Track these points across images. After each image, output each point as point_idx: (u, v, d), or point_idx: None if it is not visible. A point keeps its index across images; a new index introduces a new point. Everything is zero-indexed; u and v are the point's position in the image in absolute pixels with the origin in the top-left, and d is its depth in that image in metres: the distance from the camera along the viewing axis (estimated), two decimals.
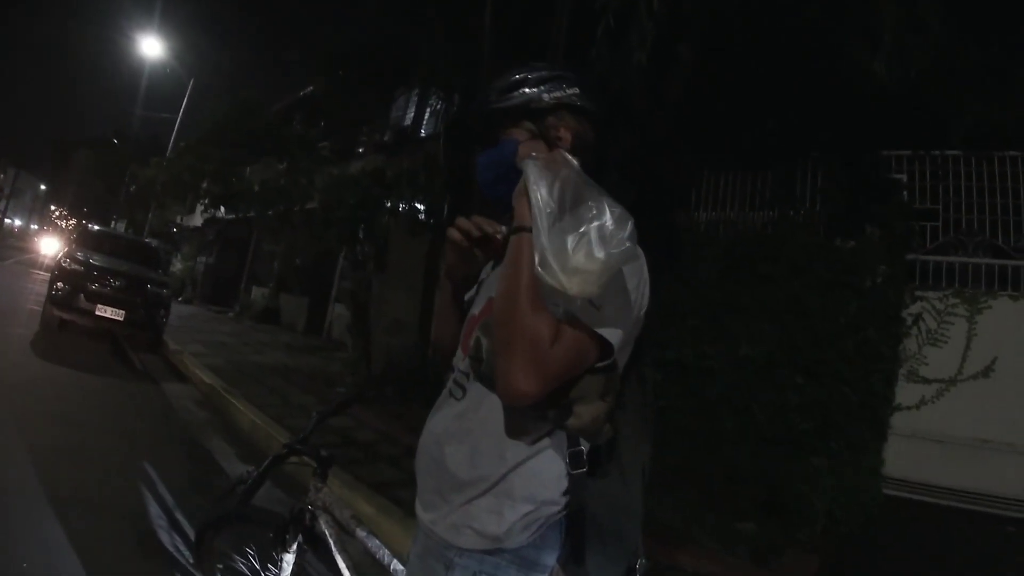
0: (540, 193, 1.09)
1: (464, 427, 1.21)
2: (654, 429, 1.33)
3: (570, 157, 1.16)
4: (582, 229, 1.00)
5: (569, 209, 1.05)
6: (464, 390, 1.26)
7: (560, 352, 1.05)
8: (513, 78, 1.31)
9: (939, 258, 5.89)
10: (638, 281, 1.16)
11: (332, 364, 10.20)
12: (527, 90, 1.29)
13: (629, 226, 1.01)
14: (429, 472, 1.27)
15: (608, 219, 1.01)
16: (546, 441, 1.16)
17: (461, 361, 1.30)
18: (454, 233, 1.32)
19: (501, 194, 1.26)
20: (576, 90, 1.30)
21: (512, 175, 1.21)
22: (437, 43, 8.38)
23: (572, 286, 1.01)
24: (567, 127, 1.29)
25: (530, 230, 1.06)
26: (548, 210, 1.06)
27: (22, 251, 35.73)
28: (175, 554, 3.14)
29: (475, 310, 1.34)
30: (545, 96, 1.28)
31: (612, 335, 1.09)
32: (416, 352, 7.81)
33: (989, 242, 5.88)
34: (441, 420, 1.28)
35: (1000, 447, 5.28)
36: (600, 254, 0.98)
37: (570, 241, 0.99)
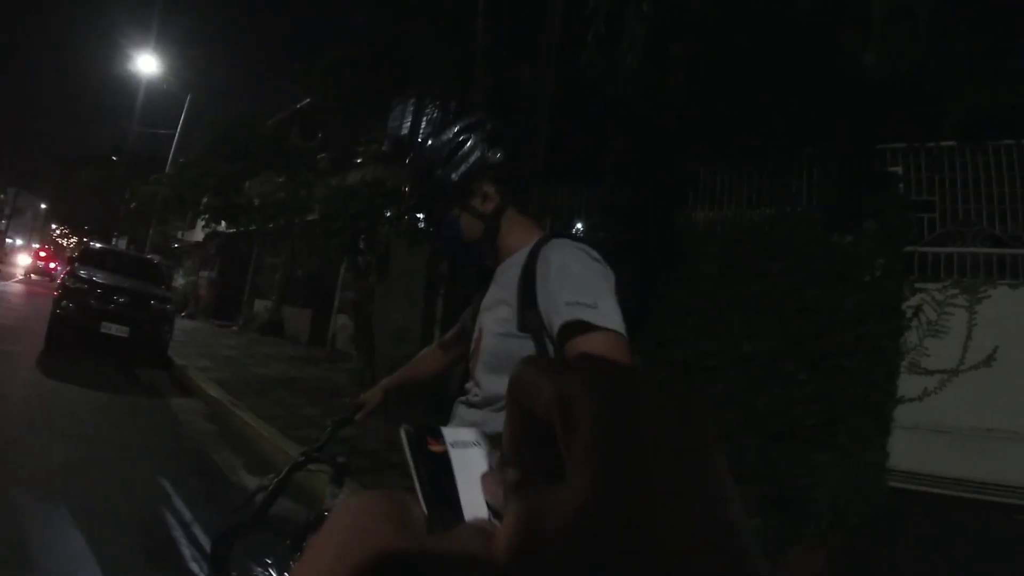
0: None
1: (483, 418, 1.28)
2: None
3: None
4: None
5: None
6: (477, 396, 1.32)
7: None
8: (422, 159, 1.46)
9: (937, 249, 5.88)
10: (610, 284, 1.27)
11: (337, 375, 10.22)
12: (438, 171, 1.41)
13: None
14: None
15: None
16: None
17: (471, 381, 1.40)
18: None
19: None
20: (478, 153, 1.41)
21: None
22: (430, 51, 8.42)
23: None
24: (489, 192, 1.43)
25: None
26: None
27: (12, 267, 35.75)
28: (192, 564, 3.18)
29: (475, 334, 1.44)
30: (454, 175, 1.40)
31: (618, 325, 1.19)
32: None
33: (987, 231, 5.89)
34: (461, 421, 1.36)
35: (1005, 435, 5.27)
36: None
37: None
